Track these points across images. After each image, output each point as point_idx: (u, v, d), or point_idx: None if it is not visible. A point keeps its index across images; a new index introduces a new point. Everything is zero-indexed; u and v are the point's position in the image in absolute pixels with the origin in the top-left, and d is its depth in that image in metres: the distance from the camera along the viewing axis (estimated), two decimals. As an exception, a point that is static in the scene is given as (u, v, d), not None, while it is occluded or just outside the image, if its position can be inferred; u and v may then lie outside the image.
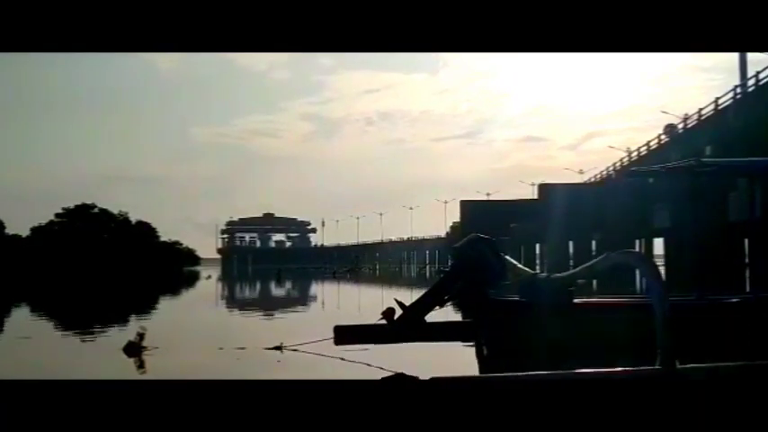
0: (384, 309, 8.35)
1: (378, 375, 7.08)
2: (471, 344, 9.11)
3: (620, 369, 5.46)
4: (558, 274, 8.29)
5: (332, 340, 8.48)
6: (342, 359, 8.12)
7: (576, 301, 8.76)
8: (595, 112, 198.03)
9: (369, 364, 7.65)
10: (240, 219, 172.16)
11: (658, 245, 42.21)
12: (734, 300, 9.36)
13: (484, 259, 8.29)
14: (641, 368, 5.44)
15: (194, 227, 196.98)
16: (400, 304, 8.34)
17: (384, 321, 8.26)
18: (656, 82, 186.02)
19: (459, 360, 8.69)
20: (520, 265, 9.36)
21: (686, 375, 5.28)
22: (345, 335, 8.44)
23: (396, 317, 8.26)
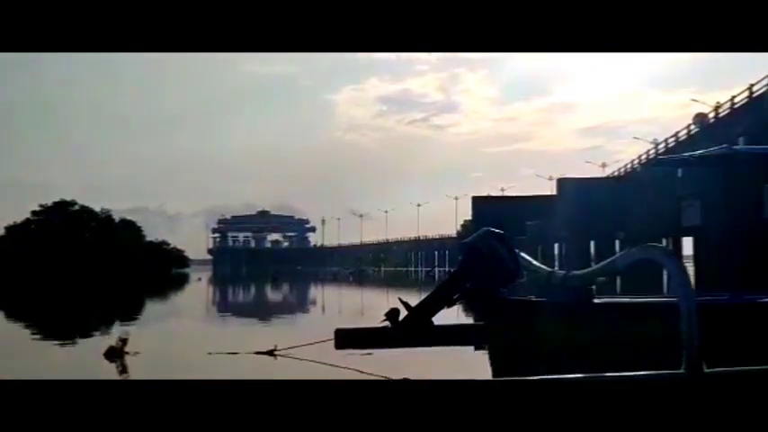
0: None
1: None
2: (484, 348, 9.09)
3: (641, 372, 5.45)
4: (577, 272, 8.27)
5: (326, 343, 8.41)
6: (338, 366, 8.12)
7: (595, 300, 8.74)
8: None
9: (360, 371, 7.57)
10: (233, 216, 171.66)
11: (687, 244, 42.01)
12: (764, 300, 9.37)
13: (496, 255, 8.17)
14: (664, 371, 5.43)
15: (183, 224, 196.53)
16: (405, 305, 8.29)
17: (387, 323, 8.23)
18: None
19: (470, 364, 8.68)
20: (536, 263, 9.34)
21: (712, 379, 5.27)
22: (347, 339, 8.38)
23: (400, 318, 8.23)
